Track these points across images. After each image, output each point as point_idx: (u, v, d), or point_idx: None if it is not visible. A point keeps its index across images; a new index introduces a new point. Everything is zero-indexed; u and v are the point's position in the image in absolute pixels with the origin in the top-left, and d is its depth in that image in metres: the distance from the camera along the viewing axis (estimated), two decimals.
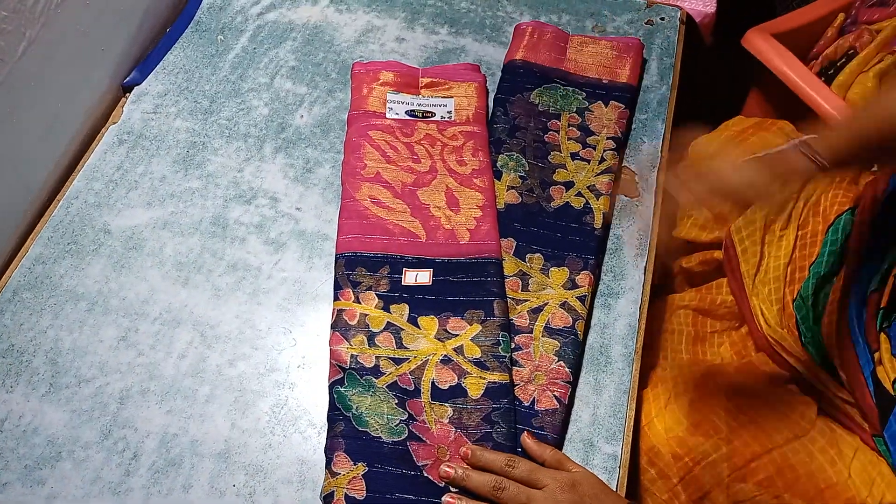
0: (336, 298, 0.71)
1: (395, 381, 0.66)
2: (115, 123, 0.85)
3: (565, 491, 0.60)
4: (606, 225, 0.79)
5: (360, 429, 0.64)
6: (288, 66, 0.91)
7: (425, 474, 0.62)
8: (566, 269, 0.74)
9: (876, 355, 0.68)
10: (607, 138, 0.83)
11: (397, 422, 0.64)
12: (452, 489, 0.62)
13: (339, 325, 0.69)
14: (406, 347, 0.68)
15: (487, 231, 0.75)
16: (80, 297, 0.73)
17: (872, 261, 0.71)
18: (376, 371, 0.66)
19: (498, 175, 0.80)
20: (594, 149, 0.82)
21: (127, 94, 0.88)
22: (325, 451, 0.64)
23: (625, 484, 0.66)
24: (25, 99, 0.75)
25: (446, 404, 0.65)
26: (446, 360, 0.67)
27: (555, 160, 0.82)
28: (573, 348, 0.69)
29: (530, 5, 0.99)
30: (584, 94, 0.87)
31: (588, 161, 0.81)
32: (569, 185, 0.80)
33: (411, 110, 0.84)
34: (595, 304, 0.75)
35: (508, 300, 0.72)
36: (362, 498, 0.61)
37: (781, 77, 1.07)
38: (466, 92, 0.86)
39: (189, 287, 0.75)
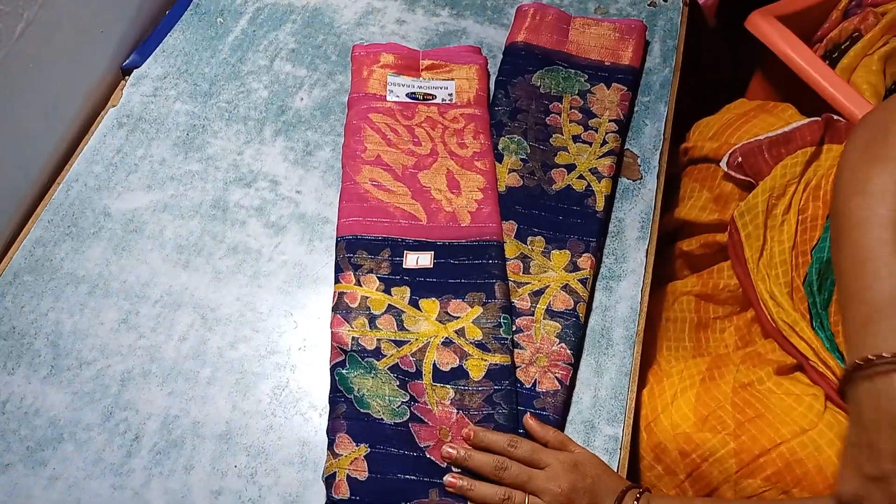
0: (337, 281, 0.71)
1: (397, 363, 0.66)
2: (114, 106, 0.85)
3: (567, 471, 0.60)
4: (608, 208, 0.78)
5: (361, 410, 0.64)
6: (288, 48, 0.91)
7: (427, 455, 0.62)
8: (567, 251, 0.74)
9: None
10: (609, 121, 0.83)
11: (399, 403, 0.64)
12: (454, 469, 0.62)
13: (341, 308, 0.69)
14: (407, 330, 0.68)
15: (489, 214, 0.75)
16: (81, 280, 0.73)
17: None
18: (377, 353, 0.66)
19: (499, 158, 0.80)
20: (596, 131, 0.82)
21: (126, 77, 0.88)
22: (327, 433, 0.64)
23: (626, 465, 0.66)
24: (24, 81, 0.75)
25: (448, 386, 0.65)
26: (447, 343, 0.67)
27: (556, 143, 0.81)
28: (574, 330, 0.69)
29: None
30: (587, 76, 0.86)
31: (590, 144, 0.81)
32: (570, 167, 0.79)
33: (412, 93, 0.84)
34: (596, 287, 0.74)
35: (510, 283, 0.72)
36: (364, 478, 0.61)
37: (785, 60, 1.06)
38: (468, 74, 0.86)
39: (189, 270, 0.74)
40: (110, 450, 0.65)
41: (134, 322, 0.71)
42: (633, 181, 0.81)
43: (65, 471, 0.64)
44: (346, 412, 0.64)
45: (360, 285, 0.70)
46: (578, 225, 0.75)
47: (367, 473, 0.61)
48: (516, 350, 0.68)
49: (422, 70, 0.86)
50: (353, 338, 0.67)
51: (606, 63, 0.87)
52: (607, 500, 0.60)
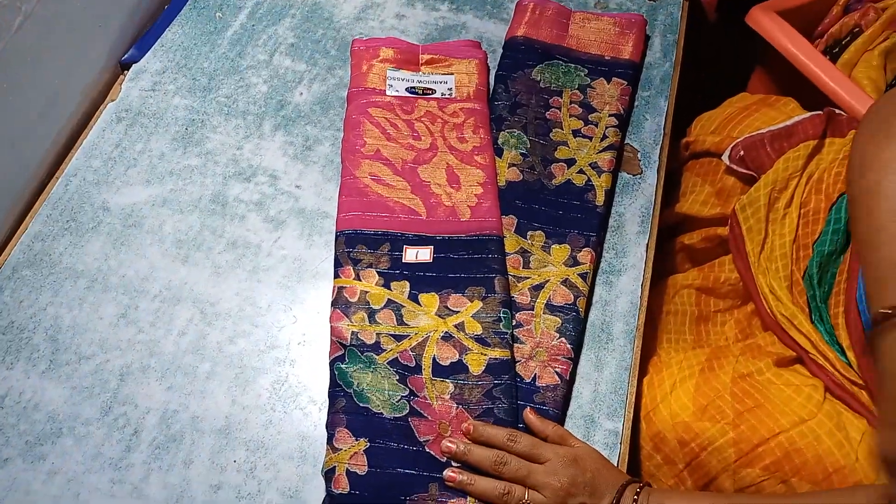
0: (336, 276, 0.71)
1: (396, 357, 0.66)
2: (113, 101, 0.85)
3: (566, 465, 0.60)
4: (608, 202, 0.78)
5: (361, 405, 0.63)
6: (287, 43, 0.91)
7: (427, 449, 0.62)
8: (567, 246, 0.74)
9: None
10: (609, 115, 0.82)
11: (398, 398, 0.64)
12: (454, 464, 0.62)
13: (340, 303, 0.69)
14: (407, 324, 0.68)
15: (488, 208, 0.74)
16: (80, 275, 0.73)
17: None
18: (377, 348, 0.66)
19: (499, 152, 0.80)
20: (596, 126, 0.82)
21: (125, 72, 0.88)
22: (327, 427, 0.64)
23: (626, 460, 0.66)
24: (22, 75, 0.75)
25: (447, 380, 0.65)
26: (447, 337, 0.67)
27: (556, 137, 0.81)
28: (574, 325, 0.69)
29: None
30: (587, 70, 0.86)
31: (590, 138, 0.81)
32: (570, 162, 0.79)
33: (411, 87, 0.83)
34: (597, 282, 0.74)
35: (510, 277, 0.71)
36: (364, 473, 0.61)
37: (786, 55, 1.06)
38: (467, 69, 0.85)
39: (189, 264, 0.74)
40: (109, 444, 0.64)
41: (133, 317, 0.71)
42: (634, 176, 0.81)
43: (64, 465, 0.63)
44: (345, 406, 0.64)
45: (360, 280, 0.70)
46: (578, 219, 0.75)
47: (366, 468, 0.61)
48: (516, 345, 0.68)
49: (421, 64, 0.86)
50: (353, 332, 0.67)
51: (606, 57, 0.87)
52: (607, 495, 0.60)
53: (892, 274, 0.55)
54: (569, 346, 0.68)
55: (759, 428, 0.67)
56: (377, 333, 0.67)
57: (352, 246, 0.72)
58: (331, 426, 0.63)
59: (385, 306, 0.68)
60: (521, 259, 0.73)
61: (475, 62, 0.86)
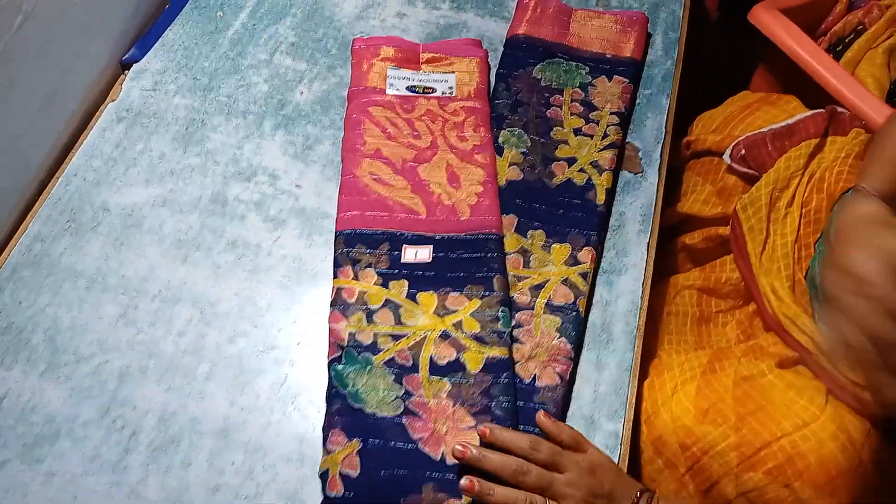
0: (335, 276, 0.70)
1: (393, 357, 0.66)
2: (113, 101, 0.84)
3: (585, 476, 0.59)
4: (609, 201, 0.78)
5: (355, 406, 0.63)
6: (288, 42, 0.90)
7: (421, 447, 0.62)
8: (568, 245, 0.73)
9: None
10: (611, 113, 0.82)
11: (393, 397, 0.64)
12: (448, 463, 0.61)
13: (338, 303, 0.68)
14: (404, 324, 0.67)
15: (488, 207, 0.74)
16: (79, 275, 0.73)
17: None
18: (374, 348, 0.66)
19: (499, 151, 0.79)
20: (597, 124, 0.81)
21: (126, 72, 0.87)
22: (322, 430, 0.63)
23: (626, 462, 0.65)
24: (22, 74, 0.75)
25: (444, 379, 0.65)
26: (445, 336, 0.67)
27: (557, 136, 0.80)
28: (575, 325, 0.69)
29: None
30: (588, 68, 0.86)
31: (591, 136, 0.80)
32: (571, 160, 0.79)
33: (412, 86, 0.83)
34: (597, 281, 0.74)
35: (510, 277, 0.71)
36: (357, 474, 0.60)
37: (789, 53, 1.05)
38: (468, 67, 0.85)
39: (188, 264, 0.74)
40: (107, 446, 0.64)
41: (132, 317, 0.71)
42: (635, 174, 0.81)
43: (61, 467, 0.63)
44: (339, 408, 0.63)
45: (358, 280, 0.70)
46: (579, 218, 0.75)
47: (359, 469, 0.60)
48: (516, 345, 0.68)
49: (422, 63, 0.85)
50: (350, 333, 0.66)
51: (608, 55, 0.87)
52: None
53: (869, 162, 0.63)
54: (569, 346, 0.68)
55: (761, 431, 0.66)
56: (375, 333, 0.67)
57: (351, 245, 0.71)
58: (326, 428, 0.63)
59: (383, 306, 0.68)
60: (522, 258, 0.73)
61: (476, 60, 0.86)
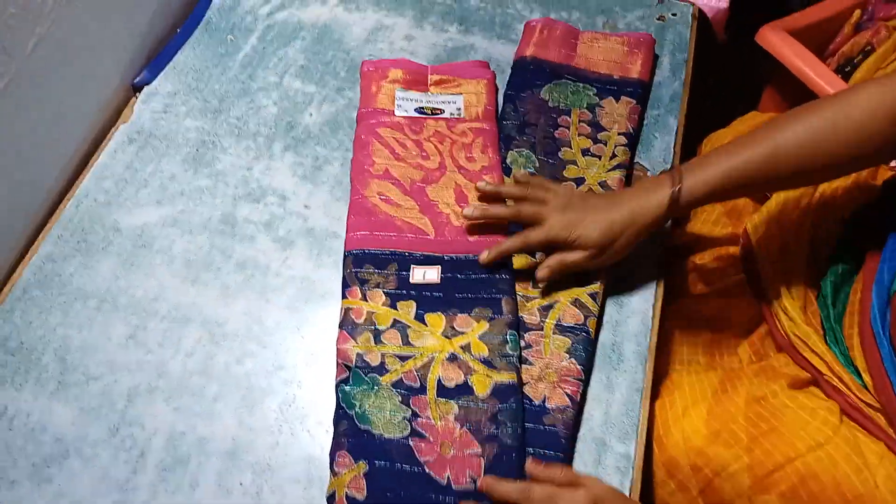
0: (344, 297, 0.70)
1: (401, 378, 0.65)
2: (125, 123, 0.85)
3: None
4: None
5: (362, 427, 0.63)
6: (297, 65, 0.91)
7: (427, 470, 0.61)
8: None
9: None
10: (619, 134, 0.82)
11: (400, 418, 0.63)
12: (454, 488, 0.61)
13: (347, 324, 0.68)
14: (412, 344, 0.67)
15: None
16: (90, 295, 0.73)
17: (893, 258, 0.69)
18: (381, 369, 0.66)
19: (508, 172, 0.79)
20: (605, 145, 0.81)
21: (137, 94, 0.88)
22: (330, 451, 0.63)
23: (639, 485, 0.65)
24: (35, 97, 0.76)
25: (452, 401, 0.64)
26: (453, 358, 0.66)
27: (565, 156, 0.81)
28: (585, 346, 0.68)
29: (540, 3, 0.98)
30: (595, 89, 0.86)
31: (599, 157, 0.80)
32: (580, 181, 0.79)
33: (420, 107, 0.84)
34: (608, 302, 0.73)
35: (519, 297, 0.71)
36: (363, 498, 0.60)
37: (797, 74, 1.05)
38: (476, 89, 0.86)
39: (198, 285, 0.74)
40: (115, 466, 0.64)
41: (142, 337, 0.71)
42: None
43: (70, 488, 0.63)
44: (346, 429, 0.63)
45: (367, 300, 0.69)
46: None
47: (365, 492, 0.60)
48: (525, 366, 0.67)
49: (430, 85, 0.86)
50: (358, 354, 0.66)
51: (615, 77, 0.87)
52: None
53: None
54: (579, 367, 0.67)
55: (773, 453, 0.65)
56: (382, 354, 0.66)
57: (359, 266, 0.71)
58: (333, 450, 0.63)
59: (391, 326, 0.68)
60: (531, 279, 0.72)
61: (484, 82, 0.86)
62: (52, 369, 0.69)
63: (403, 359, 0.66)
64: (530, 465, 0.62)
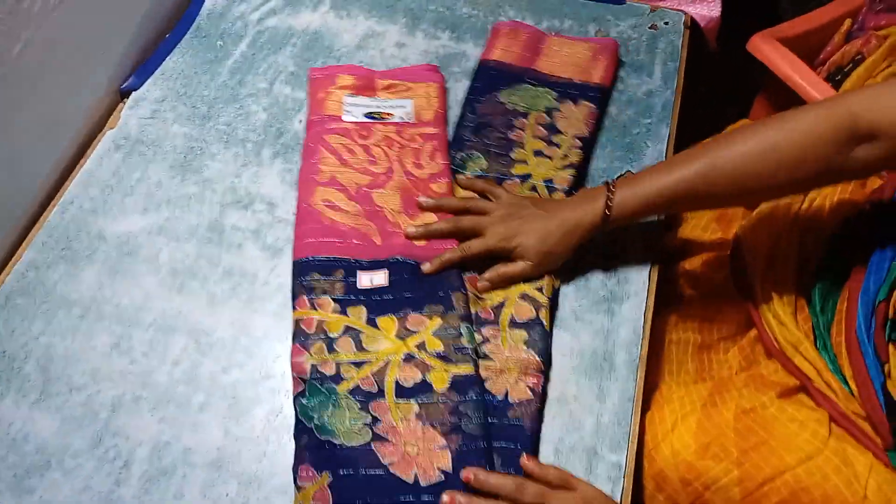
0: (294, 308, 0.70)
1: (358, 384, 0.65)
2: (112, 129, 0.85)
3: None
4: None
5: (322, 438, 0.62)
6: (287, 71, 0.91)
7: (392, 471, 0.60)
8: None
9: (886, 367, 0.66)
10: (574, 137, 0.82)
11: (360, 426, 0.63)
12: (422, 484, 0.60)
13: (298, 336, 0.67)
14: (366, 349, 0.66)
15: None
16: (74, 304, 0.72)
17: (879, 270, 0.69)
18: (337, 378, 0.65)
19: (457, 172, 0.80)
20: (559, 147, 0.81)
21: (125, 100, 0.88)
22: (293, 467, 0.62)
23: (629, 495, 0.64)
24: (20, 102, 0.75)
25: (411, 401, 0.64)
26: (409, 358, 0.66)
27: (517, 156, 0.81)
28: (541, 337, 0.68)
29: (532, 10, 0.98)
30: (556, 93, 0.86)
31: (551, 158, 0.80)
32: (525, 177, 0.79)
33: (369, 112, 0.83)
34: (598, 310, 0.73)
35: (471, 295, 0.70)
36: None
37: (788, 83, 1.05)
38: (426, 92, 0.85)
39: (184, 293, 0.73)
40: (98, 477, 0.63)
41: (126, 346, 0.70)
42: None
43: (52, 499, 0.62)
44: (307, 443, 0.62)
45: (315, 308, 0.69)
46: None
47: (331, 502, 0.59)
48: (485, 361, 0.67)
49: (379, 90, 0.86)
50: (312, 365, 0.65)
51: (576, 80, 0.87)
52: None
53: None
54: (538, 358, 0.67)
55: (763, 466, 0.65)
56: (337, 363, 0.66)
57: (305, 274, 0.71)
58: (295, 465, 0.62)
59: (343, 333, 0.67)
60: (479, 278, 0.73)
61: (435, 86, 0.86)
62: (35, 378, 0.68)
63: (359, 365, 0.66)
64: (526, 461, 0.62)
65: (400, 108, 0.83)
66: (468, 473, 0.60)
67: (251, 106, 0.87)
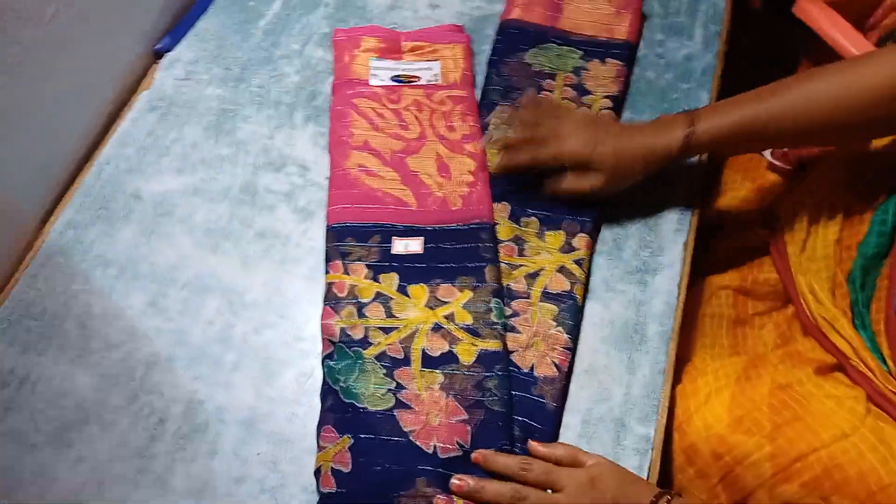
0: (327, 272, 0.70)
1: (384, 350, 0.65)
2: (146, 90, 0.85)
3: (585, 490, 0.58)
4: None
5: (346, 401, 0.63)
6: (320, 32, 0.90)
7: (412, 440, 0.61)
8: (562, 232, 0.72)
9: None
10: (604, 97, 0.80)
11: (384, 391, 0.63)
12: (441, 456, 0.60)
13: (330, 299, 0.68)
14: (395, 317, 0.67)
15: (479, 196, 0.73)
16: (110, 263, 0.73)
17: None
18: (364, 342, 0.65)
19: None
20: (590, 108, 0.80)
21: (158, 61, 0.88)
22: (316, 427, 0.63)
23: (657, 467, 0.64)
24: (55, 64, 0.75)
25: (437, 371, 0.64)
26: (437, 328, 0.66)
27: None
28: (572, 314, 0.68)
29: None
30: (581, 52, 0.84)
31: None
32: None
33: (396, 76, 0.82)
34: (631, 280, 0.72)
35: (504, 265, 0.70)
36: (348, 470, 0.60)
37: (836, 47, 1.01)
38: (452, 54, 0.84)
39: (218, 254, 0.74)
40: (134, 433, 0.65)
41: (161, 305, 0.71)
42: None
43: (89, 453, 0.64)
44: (332, 404, 0.63)
45: (349, 274, 0.69)
46: (572, 205, 0.73)
47: (350, 465, 0.60)
48: (512, 334, 0.67)
49: (404, 52, 0.84)
50: (342, 328, 0.66)
51: (601, 38, 0.85)
52: None
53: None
54: (566, 336, 0.67)
55: (797, 442, 0.64)
56: (366, 328, 0.66)
57: (341, 239, 0.71)
58: (319, 425, 0.63)
59: (374, 299, 0.67)
60: (516, 247, 0.72)
61: (460, 47, 0.85)
62: (74, 336, 0.69)
63: (387, 331, 0.66)
64: (533, 445, 0.62)
65: (427, 70, 0.82)
66: (478, 455, 0.61)
67: (284, 68, 0.87)
